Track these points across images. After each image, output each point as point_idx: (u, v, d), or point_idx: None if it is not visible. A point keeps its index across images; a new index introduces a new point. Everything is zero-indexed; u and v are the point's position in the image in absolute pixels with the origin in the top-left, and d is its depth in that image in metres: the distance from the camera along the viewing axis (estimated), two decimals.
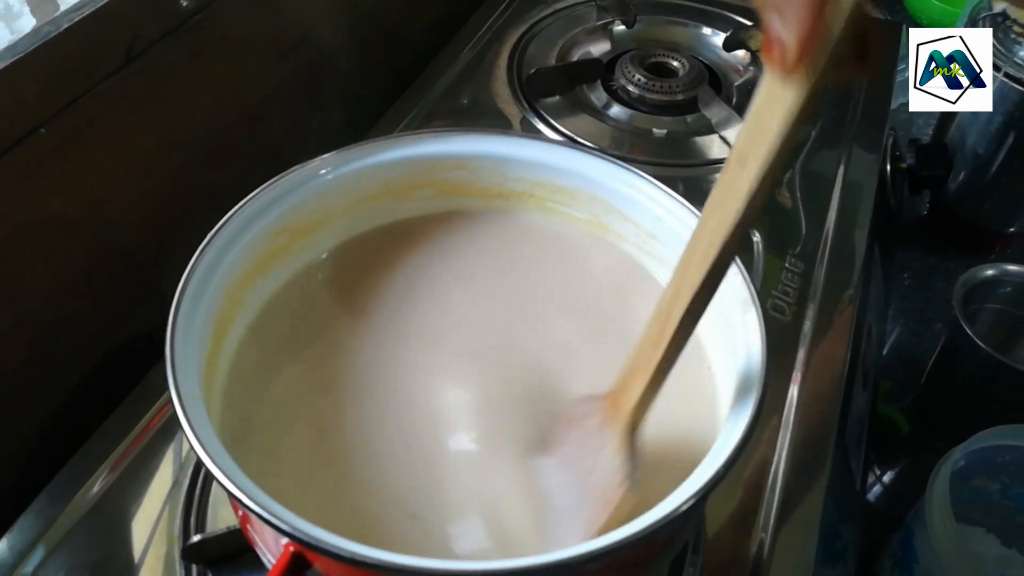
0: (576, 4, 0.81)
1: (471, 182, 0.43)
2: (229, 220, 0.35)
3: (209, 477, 0.42)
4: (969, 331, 0.65)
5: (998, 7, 0.72)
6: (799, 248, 0.57)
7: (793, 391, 0.48)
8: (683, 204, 0.38)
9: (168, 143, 0.50)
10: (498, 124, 0.66)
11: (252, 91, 0.56)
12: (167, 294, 0.32)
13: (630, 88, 0.70)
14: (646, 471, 0.30)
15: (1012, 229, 0.83)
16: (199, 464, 0.42)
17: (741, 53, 0.76)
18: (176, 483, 0.42)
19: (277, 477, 0.33)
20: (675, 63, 0.72)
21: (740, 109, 0.67)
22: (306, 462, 0.34)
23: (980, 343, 0.64)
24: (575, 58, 0.75)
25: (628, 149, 0.65)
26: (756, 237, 0.56)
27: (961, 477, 0.57)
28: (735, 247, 0.28)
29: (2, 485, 0.43)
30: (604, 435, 0.32)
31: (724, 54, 0.77)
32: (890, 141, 0.72)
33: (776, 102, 0.26)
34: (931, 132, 0.84)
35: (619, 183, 0.40)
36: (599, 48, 0.76)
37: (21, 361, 0.44)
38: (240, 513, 0.34)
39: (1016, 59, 0.71)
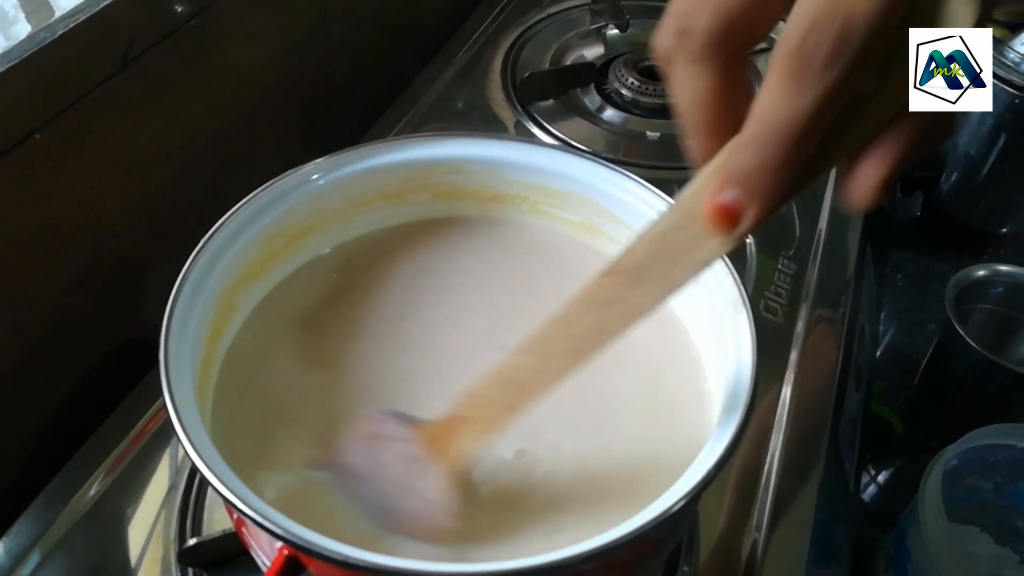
0: (570, 8, 0.81)
1: (465, 186, 0.43)
2: (223, 225, 0.35)
3: (204, 481, 0.42)
4: (962, 331, 0.65)
5: None
6: (792, 249, 0.58)
7: (786, 392, 0.48)
8: None
9: (163, 148, 0.50)
10: (492, 128, 0.66)
11: (246, 96, 0.57)
12: (163, 298, 0.32)
13: (623, 91, 0.70)
14: (637, 472, 0.30)
15: (1004, 230, 0.84)
16: (194, 468, 0.42)
17: None
18: (172, 486, 0.43)
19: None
20: None
21: None
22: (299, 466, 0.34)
23: (973, 343, 0.64)
24: (569, 62, 0.75)
25: (622, 152, 0.65)
26: (749, 239, 0.56)
27: (954, 476, 0.58)
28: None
29: None
30: (424, 466, 0.31)
31: None
32: None
33: (697, 243, 0.24)
34: None
35: (612, 186, 0.40)
36: (593, 52, 0.77)
37: (18, 365, 0.44)
38: (235, 517, 0.34)
39: (1006, 61, 0.72)
